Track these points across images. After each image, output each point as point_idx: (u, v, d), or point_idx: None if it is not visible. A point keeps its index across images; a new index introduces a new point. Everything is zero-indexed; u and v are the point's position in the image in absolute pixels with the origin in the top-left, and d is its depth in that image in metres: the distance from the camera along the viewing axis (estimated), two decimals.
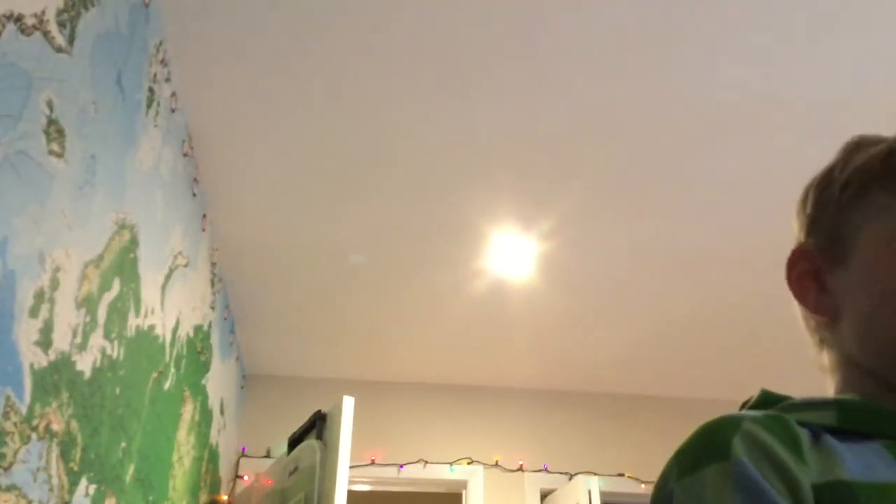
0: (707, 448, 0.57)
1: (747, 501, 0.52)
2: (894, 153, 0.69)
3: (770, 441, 0.56)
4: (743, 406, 0.70)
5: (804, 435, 0.58)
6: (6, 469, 1.38)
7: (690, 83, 2.48)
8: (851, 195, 0.70)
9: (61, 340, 1.61)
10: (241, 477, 4.02)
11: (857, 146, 0.73)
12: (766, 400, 0.67)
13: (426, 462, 4.21)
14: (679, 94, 2.52)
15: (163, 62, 2.30)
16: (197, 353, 3.03)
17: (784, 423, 0.59)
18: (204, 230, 3.02)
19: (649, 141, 2.71)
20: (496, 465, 4.27)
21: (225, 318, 3.63)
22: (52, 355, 1.57)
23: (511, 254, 3.33)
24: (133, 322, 2.13)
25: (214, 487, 3.60)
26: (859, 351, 0.67)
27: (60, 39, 1.54)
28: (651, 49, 2.36)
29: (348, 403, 2.94)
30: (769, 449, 0.55)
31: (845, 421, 0.61)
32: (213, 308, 3.29)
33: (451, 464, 4.23)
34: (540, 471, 4.28)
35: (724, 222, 3.13)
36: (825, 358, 0.72)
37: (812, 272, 0.72)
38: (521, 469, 4.28)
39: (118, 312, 1.99)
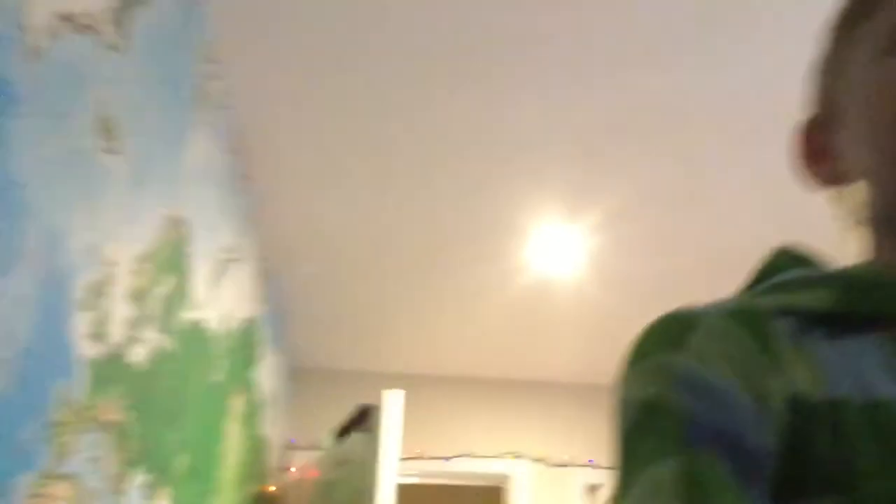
0: (661, 336, 0.49)
1: (691, 399, 0.45)
2: None
3: (739, 334, 0.48)
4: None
5: (783, 332, 0.48)
6: (63, 458, 1.41)
7: (746, 75, 2.42)
8: (834, 49, 0.62)
9: (116, 333, 1.65)
10: (290, 469, 4.07)
11: None
12: (778, 265, 0.57)
13: (471, 455, 4.21)
14: (734, 87, 2.46)
15: (213, 60, 2.33)
16: (246, 347, 3.08)
17: (756, 320, 0.49)
18: (253, 225, 3.06)
19: (705, 133, 2.66)
20: (541, 459, 4.25)
21: (274, 312, 3.67)
22: (107, 348, 1.60)
23: (556, 248, 3.30)
24: (184, 316, 2.17)
25: (263, 479, 3.65)
26: (882, 204, 0.55)
27: (114, 38, 1.57)
28: (704, 40, 2.31)
29: (397, 397, 2.95)
30: (736, 345, 0.47)
31: (845, 301, 0.49)
32: (262, 302, 3.34)
33: (496, 457, 4.22)
34: (585, 466, 4.25)
35: (782, 217, 3.05)
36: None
37: (818, 149, 0.63)
38: (566, 464, 4.25)
39: (170, 306, 2.03)
